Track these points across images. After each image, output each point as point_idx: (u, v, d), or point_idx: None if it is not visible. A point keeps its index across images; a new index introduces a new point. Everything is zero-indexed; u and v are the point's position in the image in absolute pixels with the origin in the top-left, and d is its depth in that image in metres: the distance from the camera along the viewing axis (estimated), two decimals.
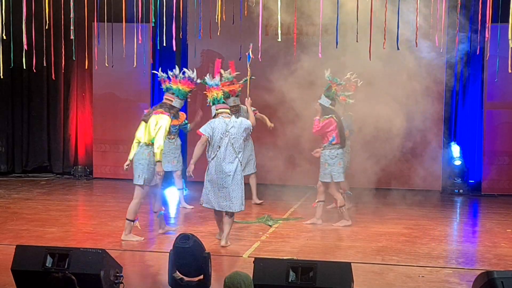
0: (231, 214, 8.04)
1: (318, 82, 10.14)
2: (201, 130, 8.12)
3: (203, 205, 8.20)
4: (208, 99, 8.34)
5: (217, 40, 10.91)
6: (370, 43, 8.02)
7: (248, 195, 9.47)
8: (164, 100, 8.66)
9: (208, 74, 8.54)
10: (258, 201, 11.01)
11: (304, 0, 9.79)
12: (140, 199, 8.28)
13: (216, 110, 8.19)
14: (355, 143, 10.71)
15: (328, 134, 9.19)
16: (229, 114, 8.21)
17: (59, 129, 13.80)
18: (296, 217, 9.90)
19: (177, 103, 8.58)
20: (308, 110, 10.19)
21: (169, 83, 10.00)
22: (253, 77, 9.83)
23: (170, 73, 9.78)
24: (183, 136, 11.57)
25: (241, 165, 8.14)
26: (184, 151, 11.51)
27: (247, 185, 9.34)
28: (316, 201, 9.39)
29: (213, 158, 8.02)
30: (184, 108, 13.22)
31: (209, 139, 8.00)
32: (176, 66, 9.83)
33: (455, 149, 12.26)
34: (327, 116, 9.20)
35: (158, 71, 9.91)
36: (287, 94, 11.30)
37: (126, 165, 8.33)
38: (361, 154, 12.05)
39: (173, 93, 8.63)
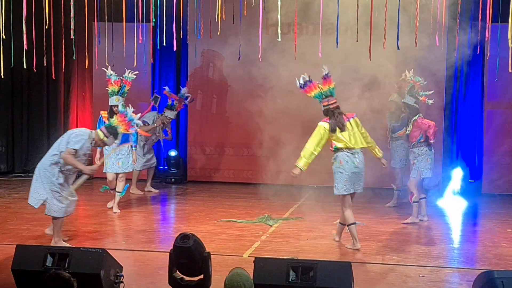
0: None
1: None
2: None
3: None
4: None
5: (217, 40, 10.92)
6: (370, 43, 8.03)
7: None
8: None
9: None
10: (134, 192, 11.67)
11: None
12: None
13: None
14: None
15: (416, 133, 9.30)
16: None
17: (59, 129, 13.79)
18: (296, 216, 9.90)
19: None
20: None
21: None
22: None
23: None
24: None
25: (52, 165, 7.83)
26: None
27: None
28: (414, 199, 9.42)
29: None
30: (185, 109, 13.33)
31: None
32: (126, 69, 9.93)
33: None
34: (415, 118, 9.30)
35: (107, 69, 9.90)
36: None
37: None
38: (363, 155, 12.03)
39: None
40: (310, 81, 7.93)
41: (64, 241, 8.06)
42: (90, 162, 9.24)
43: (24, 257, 5.62)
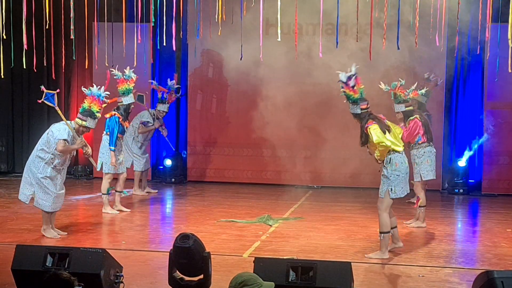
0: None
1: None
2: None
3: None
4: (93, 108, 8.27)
5: (217, 40, 10.93)
6: (370, 43, 8.04)
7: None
8: None
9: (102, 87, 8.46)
10: (137, 193, 11.65)
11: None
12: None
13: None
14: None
15: (414, 135, 9.07)
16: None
17: None
18: (296, 216, 9.91)
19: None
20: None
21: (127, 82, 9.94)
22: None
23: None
24: None
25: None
26: None
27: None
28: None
29: None
30: (185, 109, 13.33)
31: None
32: (128, 67, 9.86)
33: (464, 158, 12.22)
34: (411, 118, 9.07)
35: (115, 70, 9.88)
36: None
37: None
38: (363, 154, 12.04)
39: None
40: (356, 76, 7.43)
41: (58, 234, 8.43)
42: None
43: (24, 257, 5.61)
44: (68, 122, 8.29)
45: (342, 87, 7.54)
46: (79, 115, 8.30)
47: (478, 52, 9.82)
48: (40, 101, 8.33)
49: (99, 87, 8.39)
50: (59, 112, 8.24)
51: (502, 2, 8.26)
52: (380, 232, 7.59)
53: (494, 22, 8.97)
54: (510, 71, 7.28)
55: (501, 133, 12.09)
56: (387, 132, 7.45)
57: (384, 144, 7.33)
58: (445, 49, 10.13)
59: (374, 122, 7.43)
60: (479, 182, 12.27)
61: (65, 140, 8.11)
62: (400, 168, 7.47)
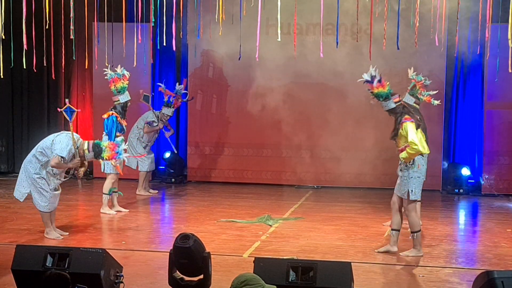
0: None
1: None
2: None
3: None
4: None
5: (217, 40, 10.92)
6: (370, 43, 8.04)
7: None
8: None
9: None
10: (141, 193, 11.68)
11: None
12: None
13: None
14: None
15: None
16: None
17: (59, 129, 13.76)
18: (296, 216, 9.91)
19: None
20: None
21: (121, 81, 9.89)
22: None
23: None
24: None
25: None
26: None
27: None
28: None
29: None
30: (185, 109, 13.33)
31: None
32: (119, 66, 9.83)
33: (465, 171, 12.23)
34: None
35: (108, 70, 9.87)
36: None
37: None
38: (363, 154, 12.08)
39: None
40: (380, 78, 7.47)
41: (60, 234, 8.44)
42: None
43: (24, 257, 5.61)
44: (76, 136, 8.13)
45: (369, 89, 7.52)
46: (90, 143, 8.11)
47: (478, 52, 9.82)
48: (59, 110, 8.31)
49: (125, 150, 8.28)
50: (71, 129, 8.18)
51: (502, 2, 8.25)
52: (412, 232, 7.61)
53: (494, 22, 8.96)
54: (510, 71, 7.27)
55: (501, 133, 12.09)
56: (419, 129, 7.44)
57: (416, 147, 7.20)
58: (445, 49, 10.12)
59: (411, 119, 7.40)
60: (479, 182, 12.26)
61: (62, 157, 8.03)
62: (422, 170, 7.52)
